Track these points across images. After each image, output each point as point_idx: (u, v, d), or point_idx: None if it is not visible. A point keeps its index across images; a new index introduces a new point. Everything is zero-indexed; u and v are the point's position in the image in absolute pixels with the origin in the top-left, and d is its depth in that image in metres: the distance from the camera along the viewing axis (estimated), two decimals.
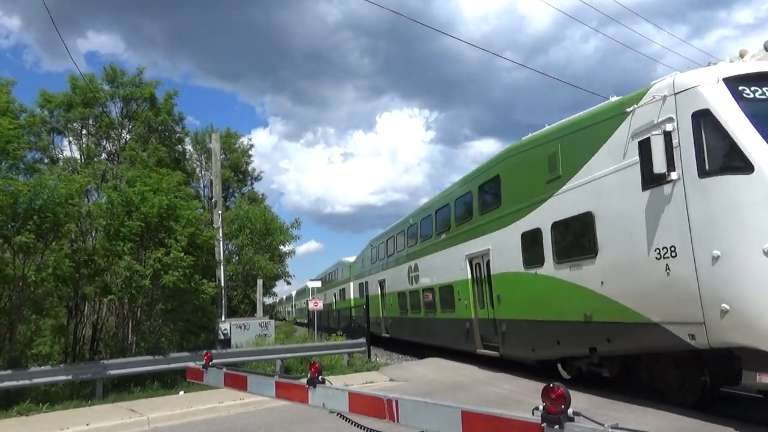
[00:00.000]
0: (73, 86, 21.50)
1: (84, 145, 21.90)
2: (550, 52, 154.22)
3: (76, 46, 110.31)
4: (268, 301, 48.23)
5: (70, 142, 22.30)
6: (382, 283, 24.38)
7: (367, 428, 3.55)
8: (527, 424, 2.34)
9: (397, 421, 3.02)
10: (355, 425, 3.61)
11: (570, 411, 2.23)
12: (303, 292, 57.49)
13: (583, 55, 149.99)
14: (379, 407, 3.14)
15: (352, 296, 30.91)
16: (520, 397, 10.32)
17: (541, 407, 2.29)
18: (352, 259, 32.86)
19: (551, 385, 2.29)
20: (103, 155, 22.26)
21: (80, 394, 12.24)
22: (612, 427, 2.06)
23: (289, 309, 74.96)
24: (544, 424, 2.25)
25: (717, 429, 7.27)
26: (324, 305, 41.33)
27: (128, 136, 22.65)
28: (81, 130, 22.23)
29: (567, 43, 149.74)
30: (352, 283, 31.32)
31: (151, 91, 22.39)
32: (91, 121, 21.99)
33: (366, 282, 26.89)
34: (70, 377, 12.01)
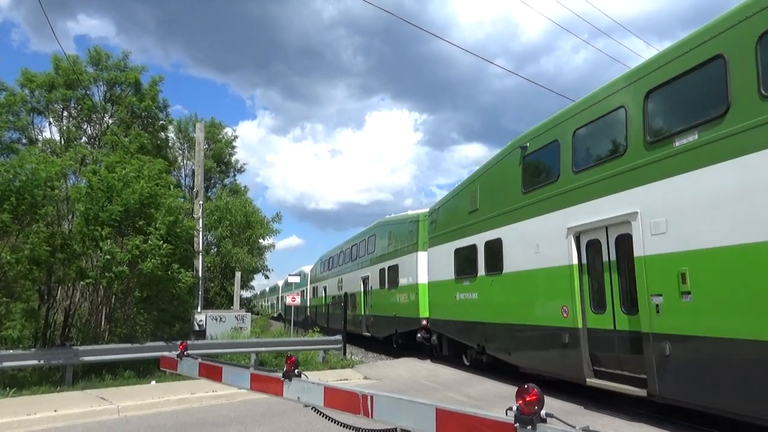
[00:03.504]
0: (56, 67, 21.14)
1: (64, 128, 21.53)
2: (542, 60, 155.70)
3: (66, 29, 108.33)
4: (246, 294, 47.37)
5: (50, 124, 21.95)
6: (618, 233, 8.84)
7: (341, 423, 3.56)
8: (501, 424, 2.37)
9: (372, 417, 3.04)
10: (328, 419, 3.62)
11: (543, 412, 2.27)
12: (291, 285, 45.07)
13: (573, 65, 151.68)
14: (354, 402, 3.15)
15: (419, 278, 17.27)
16: (494, 398, 10.42)
17: (514, 408, 2.32)
18: (422, 211, 18.22)
19: (526, 386, 2.32)
20: (84, 138, 21.91)
21: (49, 380, 12.08)
22: (583, 429, 2.10)
23: (273, 302, 64.66)
24: (517, 424, 2.28)
25: None
26: (336, 297, 28.26)
27: (110, 121, 22.32)
28: (62, 112, 21.86)
29: (558, 53, 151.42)
30: (418, 255, 17.44)
31: (135, 76, 22.07)
32: (72, 104, 21.62)
33: (489, 240, 12.54)
34: (39, 362, 11.83)
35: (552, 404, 9.35)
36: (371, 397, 3.05)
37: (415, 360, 16.86)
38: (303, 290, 40.50)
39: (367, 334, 22.55)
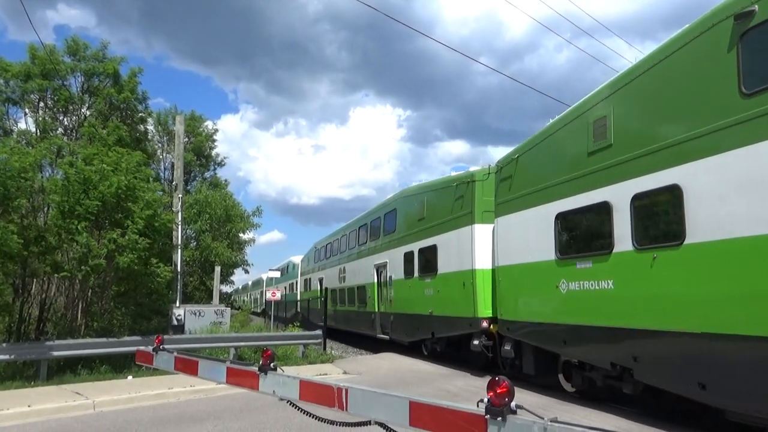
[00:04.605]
0: (32, 56, 20.69)
1: (40, 119, 21.10)
2: (525, 59, 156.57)
3: (45, 18, 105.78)
4: (226, 289, 46.79)
5: (25, 114, 21.50)
6: None
7: (316, 416, 3.57)
8: (472, 416, 2.39)
9: (346, 410, 3.05)
10: (304, 413, 3.62)
11: (513, 404, 2.30)
12: (285, 275, 39.14)
13: (556, 64, 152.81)
14: (329, 395, 3.16)
15: (476, 262, 12.59)
16: (472, 393, 10.51)
17: (486, 400, 2.35)
18: (476, 168, 13.61)
19: (497, 378, 2.35)
20: (60, 130, 21.51)
21: (23, 375, 11.89)
22: (551, 421, 2.14)
23: (257, 296, 58.46)
24: (488, 416, 2.31)
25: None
26: (336, 290, 23.81)
27: (88, 112, 21.93)
28: (38, 103, 21.40)
29: (542, 51, 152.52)
30: (475, 229, 12.71)
31: (114, 67, 21.68)
32: (49, 94, 21.19)
33: (646, 192, 8.02)
34: (12, 357, 11.64)
35: (528, 399, 9.47)
36: (346, 390, 3.07)
37: (395, 355, 16.92)
38: (292, 283, 37.73)
39: (383, 336, 18.31)
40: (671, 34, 7.82)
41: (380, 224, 19.30)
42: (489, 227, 12.30)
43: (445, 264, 14.02)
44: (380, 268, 18.71)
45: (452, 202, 13.80)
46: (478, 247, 12.49)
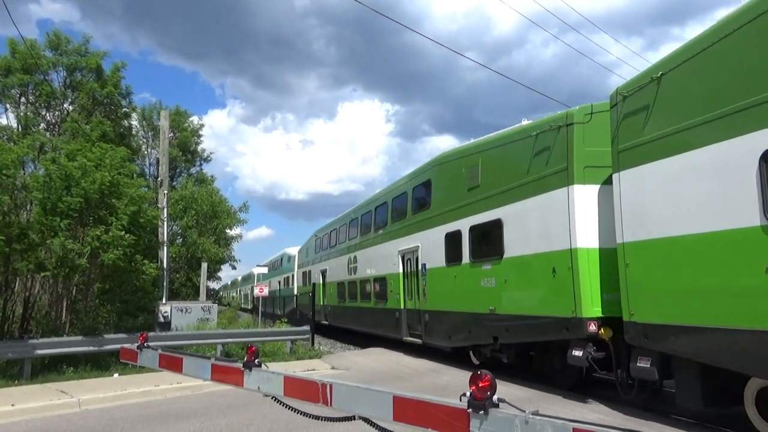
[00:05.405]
0: (12, 51, 20.37)
1: (22, 114, 20.80)
2: (513, 54, 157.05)
3: (28, 12, 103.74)
4: (213, 285, 46.45)
5: (6, 110, 21.18)
6: None
7: (301, 412, 3.57)
8: (454, 410, 2.41)
9: (330, 405, 3.06)
10: (289, 409, 3.63)
11: (495, 398, 2.32)
12: (279, 268, 36.16)
13: (542, 59, 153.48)
14: (314, 391, 3.17)
15: (577, 240, 8.83)
16: (458, 387, 10.53)
17: (468, 394, 2.37)
18: (571, 109, 9.65)
19: (479, 372, 2.36)
20: (42, 125, 21.21)
21: (6, 374, 11.76)
22: (532, 413, 2.15)
23: (247, 292, 52.74)
24: (470, 410, 2.32)
25: (640, 423, 7.66)
26: (343, 283, 20.81)
27: (70, 108, 21.64)
28: (19, 98, 21.08)
29: (529, 46, 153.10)
30: (574, 193, 8.97)
31: (97, 62, 21.39)
32: (30, 89, 20.88)
33: None
34: None
35: (514, 392, 9.55)
36: (330, 386, 3.07)
37: (383, 350, 16.94)
38: (288, 276, 35.09)
39: (413, 340, 14.93)
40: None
41: (407, 201, 15.72)
42: (593, 189, 8.97)
43: (517, 244, 10.42)
44: (408, 255, 15.30)
45: (529, 159, 10.17)
46: (579, 218, 8.91)
